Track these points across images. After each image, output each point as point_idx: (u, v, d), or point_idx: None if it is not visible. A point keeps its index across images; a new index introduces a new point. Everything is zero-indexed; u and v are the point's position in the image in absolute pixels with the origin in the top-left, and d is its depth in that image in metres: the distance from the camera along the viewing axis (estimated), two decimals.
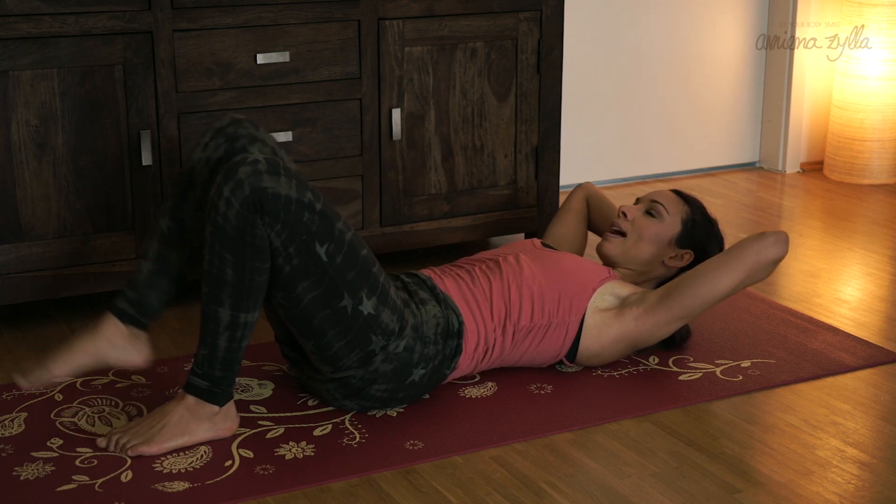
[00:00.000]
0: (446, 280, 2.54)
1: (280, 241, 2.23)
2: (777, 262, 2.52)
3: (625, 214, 2.71)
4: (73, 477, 2.18)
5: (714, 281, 2.50)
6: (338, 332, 2.31)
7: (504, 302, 2.51)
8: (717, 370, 2.65)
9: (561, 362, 2.61)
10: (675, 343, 2.72)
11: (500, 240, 3.54)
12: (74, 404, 2.47)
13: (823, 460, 2.27)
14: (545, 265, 2.57)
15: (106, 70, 2.78)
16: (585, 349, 2.57)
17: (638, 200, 2.77)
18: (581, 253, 2.97)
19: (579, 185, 3.03)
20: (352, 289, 2.30)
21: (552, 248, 2.71)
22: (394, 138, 3.10)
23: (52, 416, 2.42)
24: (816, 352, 2.75)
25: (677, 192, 2.77)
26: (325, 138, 3.04)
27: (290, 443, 2.31)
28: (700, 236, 2.70)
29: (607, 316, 2.55)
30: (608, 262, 2.72)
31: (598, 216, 2.97)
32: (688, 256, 2.68)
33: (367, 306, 2.32)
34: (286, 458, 2.26)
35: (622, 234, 2.70)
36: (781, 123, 4.31)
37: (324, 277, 2.27)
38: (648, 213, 2.71)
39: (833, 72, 4.29)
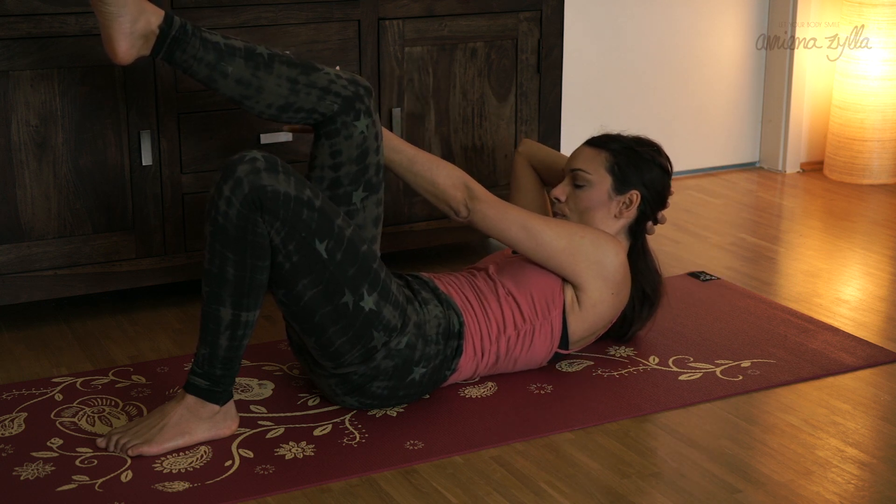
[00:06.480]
0: (447, 284, 2.54)
1: (280, 239, 2.24)
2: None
3: (558, 199, 2.67)
4: (73, 477, 2.18)
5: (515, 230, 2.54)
6: (339, 328, 2.31)
7: (493, 316, 2.51)
8: (717, 370, 2.65)
9: (557, 354, 2.60)
10: (649, 299, 2.72)
11: None
12: (74, 404, 2.47)
13: (823, 460, 2.27)
14: (512, 272, 2.57)
15: (106, 70, 2.78)
16: (574, 333, 2.57)
17: (564, 172, 2.72)
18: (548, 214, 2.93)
19: (517, 153, 2.93)
20: (352, 285, 2.30)
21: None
22: None
23: (52, 416, 2.42)
24: (816, 352, 2.75)
25: (591, 142, 2.68)
26: None
27: (290, 443, 2.31)
28: (632, 174, 2.63)
29: (578, 292, 2.55)
30: None
31: (548, 174, 2.88)
32: (636, 197, 2.63)
33: (369, 302, 2.32)
34: (286, 458, 2.26)
35: (566, 216, 2.68)
36: (781, 123, 4.31)
37: (324, 274, 2.28)
38: (575, 185, 2.66)
39: (833, 72, 4.29)
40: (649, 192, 2.64)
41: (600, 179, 2.63)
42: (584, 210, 2.64)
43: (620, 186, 2.63)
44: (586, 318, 2.56)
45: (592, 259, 2.52)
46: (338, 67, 2.56)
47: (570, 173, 2.67)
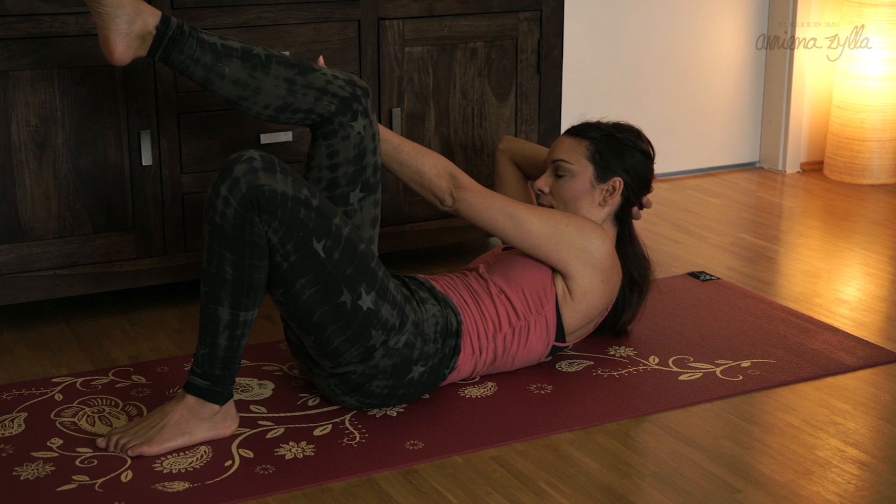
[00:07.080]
0: (443, 285, 2.54)
1: (278, 239, 2.24)
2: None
3: (542, 191, 2.67)
4: (73, 477, 2.18)
5: (501, 218, 2.54)
6: (338, 327, 2.31)
7: (489, 315, 2.51)
8: (717, 370, 2.65)
9: (555, 347, 2.60)
10: (638, 284, 2.73)
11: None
12: (74, 404, 2.47)
13: (823, 460, 2.27)
14: (502, 270, 2.57)
15: (106, 70, 2.78)
16: (569, 325, 2.57)
17: (546, 164, 2.72)
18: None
19: (498, 150, 2.93)
20: (350, 284, 2.30)
21: (511, 250, 2.70)
22: None
23: (52, 416, 2.42)
24: (816, 352, 2.75)
25: (571, 132, 2.69)
26: None
27: (290, 443, 2.31)
28: (613, 161, 2.63)
29: (568, 281, 2.55)
30: None
31: (530, 168, 2.88)
32: (618, 184, 2.63)
33: (367, 301, 2.32)
34: (286, 458, 2.26)
35: (551, 206, 2.68)
36: (781, 123, 4.31)
37: (322, 273, 2.28)
38: (557, 175, 2.66)
39: (833, 72, 4.29)
40: (632, 177, 2.64)
41: (582, 169, 2.63)
42: (568, 200, 2.64)
43: (602, 174, 2.63)
44: (579, 307, 2.56)
45: (578, 246, 2.53)
46: (321, 59, 2.55)
47: (551, 164, 2.67)
